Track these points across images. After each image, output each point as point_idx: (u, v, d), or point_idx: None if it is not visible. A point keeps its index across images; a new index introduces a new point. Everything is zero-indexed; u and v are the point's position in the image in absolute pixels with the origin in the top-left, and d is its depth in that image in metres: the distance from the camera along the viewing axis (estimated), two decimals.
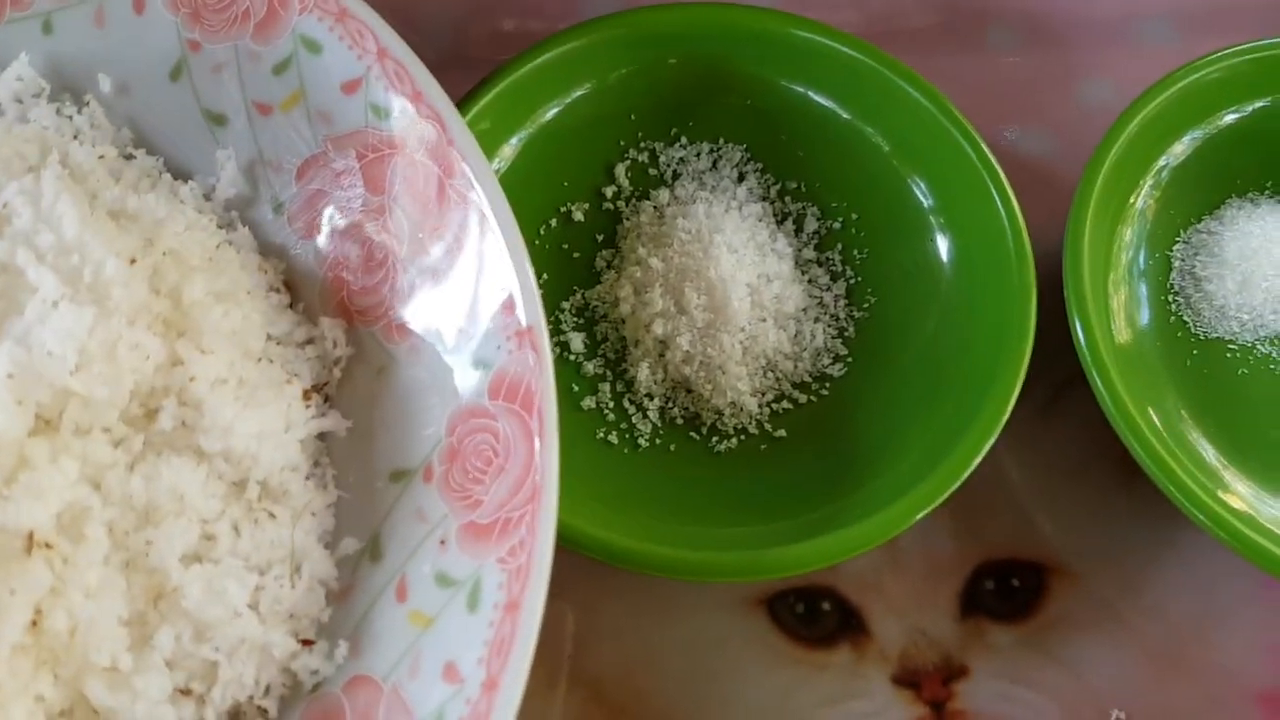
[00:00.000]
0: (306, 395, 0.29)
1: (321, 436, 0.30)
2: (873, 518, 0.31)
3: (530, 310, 0.28)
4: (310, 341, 0.31)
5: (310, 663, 0.27)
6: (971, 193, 0.34)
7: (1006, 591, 0.34)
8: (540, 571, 0.25)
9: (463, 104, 0.34)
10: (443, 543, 0.27)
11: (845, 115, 0.36)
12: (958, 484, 0.31)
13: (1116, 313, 0.35)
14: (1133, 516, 0.35)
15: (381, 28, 0.31)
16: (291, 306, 0.31)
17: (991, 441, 0.32)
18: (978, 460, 0.31)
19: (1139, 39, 0.41)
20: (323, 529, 0.29)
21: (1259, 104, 0.36)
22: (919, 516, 0.31)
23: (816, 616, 0.34)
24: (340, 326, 0.30)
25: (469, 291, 0.29)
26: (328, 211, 0.31)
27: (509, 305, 0.28)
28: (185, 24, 0.32)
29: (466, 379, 0.28)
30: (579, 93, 0.36)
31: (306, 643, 0.27)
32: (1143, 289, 0.36)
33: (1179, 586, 0.34)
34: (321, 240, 0.31)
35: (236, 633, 0.26)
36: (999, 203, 0.34)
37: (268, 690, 0.27)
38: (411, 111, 0.30)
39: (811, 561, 0.31)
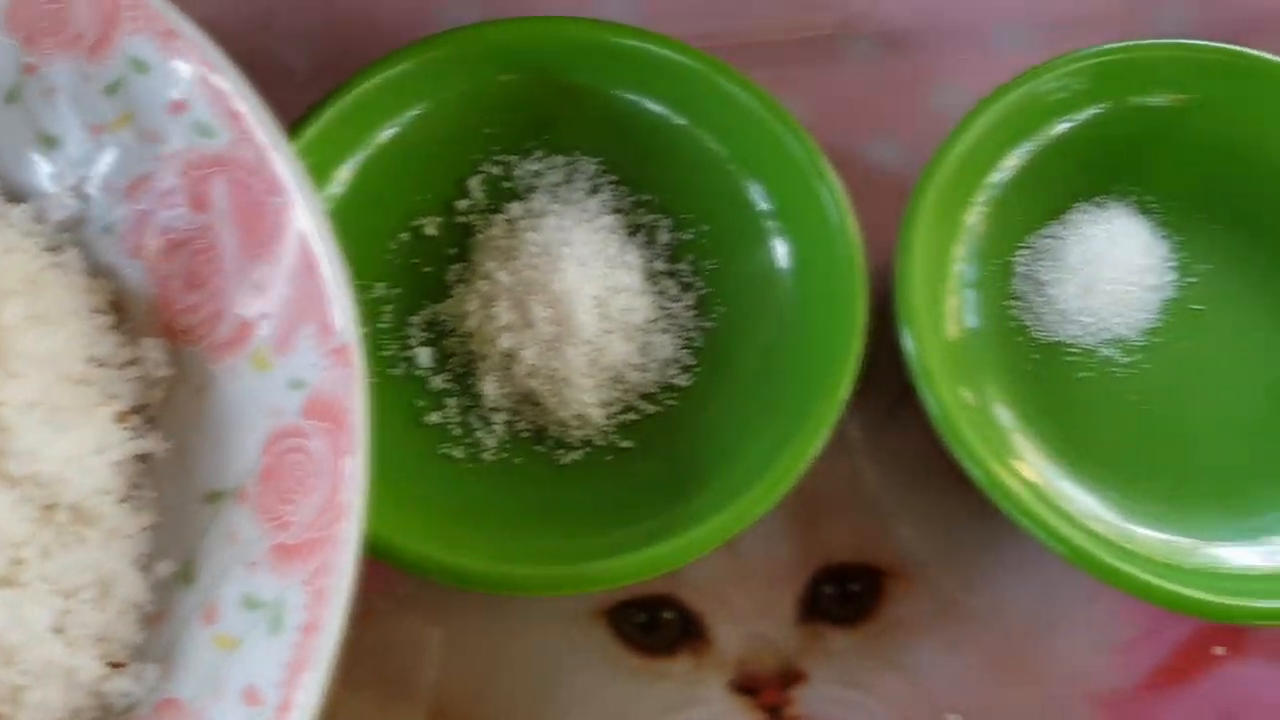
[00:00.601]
0: (123, 417, 0.29)
1: (143, 458, 0.30)
2: (705, 523, 0.31)
3: (346, 327, 0.28)
4: (134, 362, 0.31)
5: (120, 686, 0.27)
6: (805, 197, 0.35)
7: (845, 596, 0.35)
8: (340, 592, 0.25)
9: (293, 130, 0.34)
10: (252, 565, 0.27)
11: (680, 121, 0.37)
12: (786, 489, 0.31)
13: (949, 319, 0.36)
14: (971, 520, 0.35)
15: (207, 47, 0.31)
16: (120, 327, 0.31)
17: (820, 445, 0.32)
18: (806, 464, 0.32)
19: (993, 45, 0.41)
20: (138, 551, 0.29)
21: (1094, 110, 0.37)
22: (749, 523, 0.31)
23: (657, 626, 0.34)
24: (162, 346, 0.30)
25: (288, 309, 0.29)
26: (155, 231, 0.31)
27: (325, 324, 0.28)
28: (22, 47, 0.32)
29: (283, 398, 0.28)
30: (414, 112, 0.36)
31: (117, 666, 0.27)
32: (980, 295, 0.36)
33: (1016, 590, 0.35)
34: (149, 260, 0.31)
35: (42, 656, 0.26)
36: (831, 207, 0.34)
37: (77, 713, 0.27)
38: (234, 130, 0.30)
39: (642, 570, 0.31)
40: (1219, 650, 0.34)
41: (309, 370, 0.28)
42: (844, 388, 0.33)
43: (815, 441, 0.32)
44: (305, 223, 0.29)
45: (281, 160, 0.30)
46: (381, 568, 0.33)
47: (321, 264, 0.29)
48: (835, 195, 0.34)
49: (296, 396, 0.28)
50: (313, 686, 0.25)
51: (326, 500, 0.26)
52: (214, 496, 0.29)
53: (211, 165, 0.31)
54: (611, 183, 0.38)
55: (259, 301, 0.29)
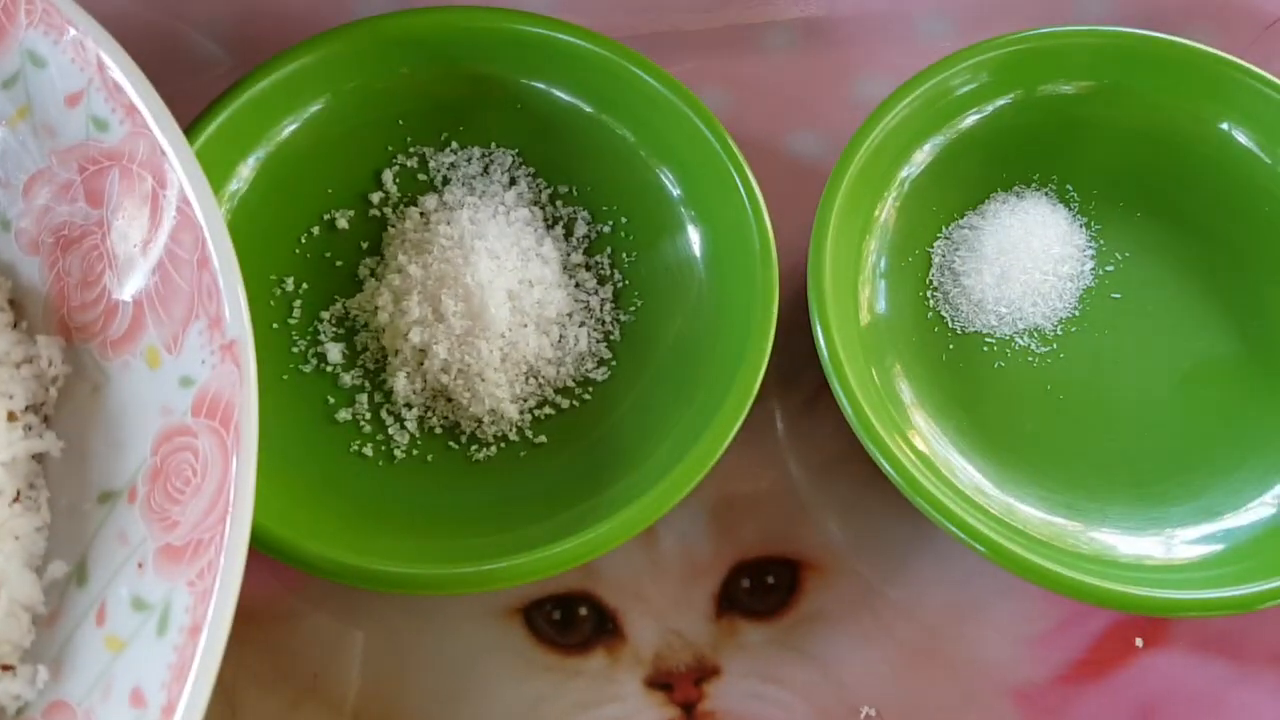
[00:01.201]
0: (12, 416, 0.29)
1: (37, 458, 0.29)
2: (616, 517, 0.31)
3: (235, 324, 0.27)
4: (29, 360, 0.30)
5: (11, 688, 0.27)
6: (716, 182, 0.35)
7: (762, 589, 0.34)
8: (226, 593, 0.25)
9: (192, 128, 0.34)
10: (140, 566, 0.27)
11: (590, 110, 0.36)
12: (697, 481, 0.31)
13: (863, 309, 0.35)
14: (889, 513, 0.35)
15: (103, 39, 0.30)
16: (16, 325, 0.31)
17: (731, 437, 0.32)
18: (717, 457, 0.31)
19: (914, 34, 0.41)
20: (31, 552, 0.28)
21: (1005, 100, 0.37)
22: (659, 515, 0.31)
23: (573, 622, 0.34)
24: (58, 344, 0.30)
25: (179, 306, 0.28)
26: (52, 226, 0.31)
27: (216, 319, 0.28)
28: None
29: (173, 396, 0.28)
30: (318, 106, 0.36)
31: (7, 668, 0.27)
32: (896, 286, 0.36)
33: (934, 582, 0.34)
34: (45, 256, 0.31)
35: None
36: (743, 193, 0.34)
37: None
38: (128, 124, 0.30)
39: (554, 566, 0.31)
40: (1138, 642, 0.34)
41: (198, 367, 0.28)
42: (756, 378, 0.32)
43: (727, 434, 0.32)
44: (197, 216, 0.29)
45: (175, 154, 0.29)
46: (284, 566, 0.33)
47: (213, 259, 0.28)
48: (746, 181, 0.34)
49: (186, 394, 0.28)
50: (197, 688, 0.24)
51: (212, 500, 0.26)
52: (106, 496, 0.28)
53: (107, 159, 0.30)
54: (529, 175, 0.37)
55: (151, 295, 0.29)
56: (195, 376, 0.28)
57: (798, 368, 0.36)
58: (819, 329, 0.33)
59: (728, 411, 0.32)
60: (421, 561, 0.31)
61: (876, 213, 0.36)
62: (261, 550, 0.30)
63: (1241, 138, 0.37)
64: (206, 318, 0.28)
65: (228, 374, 0.27)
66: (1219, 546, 0.33)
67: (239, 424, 0.26)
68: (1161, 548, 0.34)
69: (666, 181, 0.36)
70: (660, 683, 0.33)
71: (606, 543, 0.31)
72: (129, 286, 0.30)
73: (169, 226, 0.29)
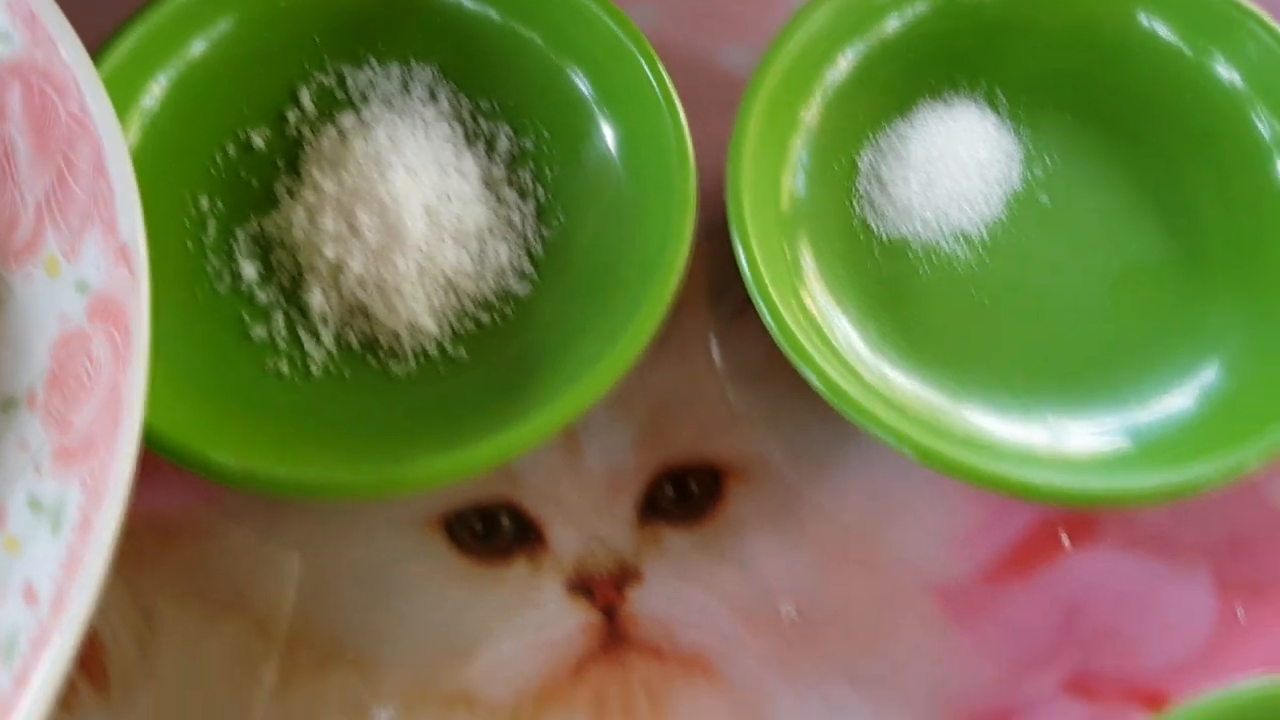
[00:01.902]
0: None
1: None
2: (533, 417, 0.31)
3: (128, 227, 0.27)
4: None
5: None
6: (627, 78, 0.34)
7: (685, 497, 0.34)
8: (116, 490, 0.25)
9: (101, 50, 0.33)
10: (37, 469, 0.27)
11: (496, 17, 0.36)
12: (616, 379, 0.31)
13: (787, 218, 0.35)
14: (813, 419, 0.35)
15: None
16: None
17: (649, 335, 0.31)
18: (636, 354, 0.31)
19: None
20: None
21: (922, 7, 0.36)
22: (576, 414, 0.31)
23: (494, 532, 0.34)
24: None
25: (77, 214, 0.28)
26: None
27: (110, 225, 0.28)
28: None
29: (71, 302, 0.28)
30: (229, 23, 0.35)
31: None
32: (822, 193, 0.36)
33: (856, 487, 0.34)
34: None
35: None
36: (655, 88, 0.34)
37: None
38: (27, 35, 0.30)
39: (470, 467, 0.30)
40: (1064, 541, 0.34)
41: (93, 273, 0.28)
42: (674, 277, 0.32)
43: (645, 332, 0.31)
44: (95, 126, 0.28)
45: (75, 65, 0.29)
46: (202, 481, 0.33)
47: (108, 166, 0.28)
48: (658, 74, 0.34)
49: (82, 300, 0.28)
50: (86, 582, 0.24)
51: (105, 402, 0.26)
52: (8, 404, 0.28)
53: (9, 73, 0.30)
54: (450, 91, 0.37)
55: (50, 205, 0.29)
56: (91, 282, 0.28)
57: (727, 280, 0.36)
58: (740, 240, 0.33)
59: (646, 312, 0.32)
60: (338, 467, 0.31)
61: (801, 114, 0.36)
62: (176, 462, 0.30)
63: (1163, 30, 0.36)
64: (102, 223, 0.28)
65: (121, 279, 0.27)
66: (1141, 439, 0.33)
67: (131, 328, 0.26)
68: (1085, 441, 0.33)
69: (579, 82, 0.35)
70: (582, 588, 0.33)
71: (523, 443, 0.31)
72: (29, 198, 0.29)
73: (68, 136, 0.29)
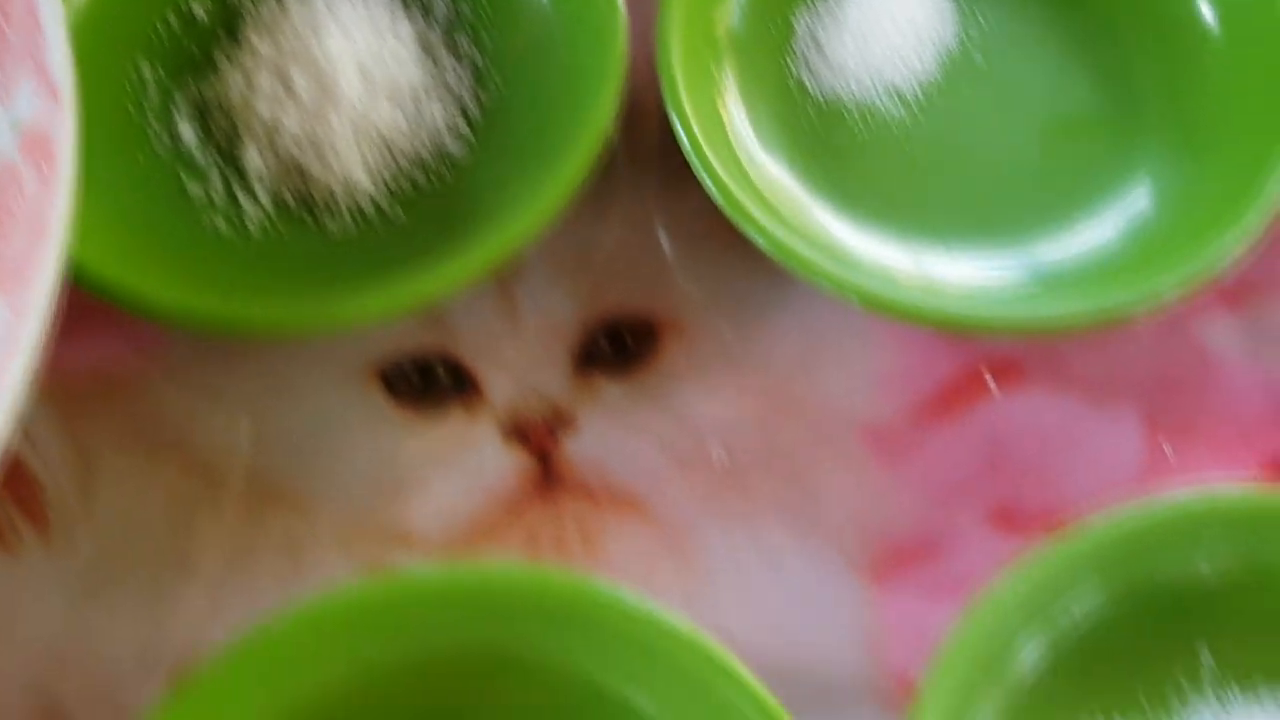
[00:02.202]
0: None
1: None
2: (463, 257, 0.32)
3: (59, 66, 0.28)
4: None
5: None
6: None
7: (620, 349, 0.35)
8: (38, 308, 0.26)
9: None
10: None
11: None
12: (548, 219, 0.32)
13: (724, 82, 0.36)
14: (750, 273, 0.35)
15: None
16: None
17: (575, 184, 0.32)
18: (568, 195, 0.32)
19: None
20: None
21: None
22: (507, 253, 0.31)
23: (430, 383, 0.34)
24: None
25: (11, 59, 0.29)
26: None
27: (41, 65, 0.28)
28: None
29: (5, 140, 0.29)
30: None
31: None
32: (756, 55, 0.36)
33: (788, 335, 0.35)
34: None
35: None
36: None
37: None
38: None
39: (402, 303, 0.31)
40: (990, 383, 0.35)
41: (26, 111, 0.28)
42: (605, 120, 0.33)
43: (576, 172, 0.32)
44: None
45: None
46: (143, 334, 0.33)
47: (41, 10, 0.29)
48: None
49: (14, 138, 0.28)
50: (4, 402, 0.25)
51: (30, 228, 0.27)
52: None
53: None
54: None
55: None
56: (23, 120, 0.28)
57: (668, 139, 0.37)
58: (672, 99, 0.33)
59: (575, 157, 0.32)
60: (272, 306, 0.32)
61: None
62: (115, 300, 0.31)
63: None
64: (34, 65, 0.28)
65: (49, 112, 0.28)
66: (1069, 270, 0.33)
67: (56, 155, 0.27)
68: (1014, 275, 0.34)
69: None
70: (517, 434, 0.34)
71: (452, 282, 0.31)
72: None
73: None
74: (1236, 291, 0.35)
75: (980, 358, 0.35)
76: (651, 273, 0.36)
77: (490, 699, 0.28)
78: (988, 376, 0.34)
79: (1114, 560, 0.28)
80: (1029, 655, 0.28)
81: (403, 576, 0.29)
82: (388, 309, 0.31)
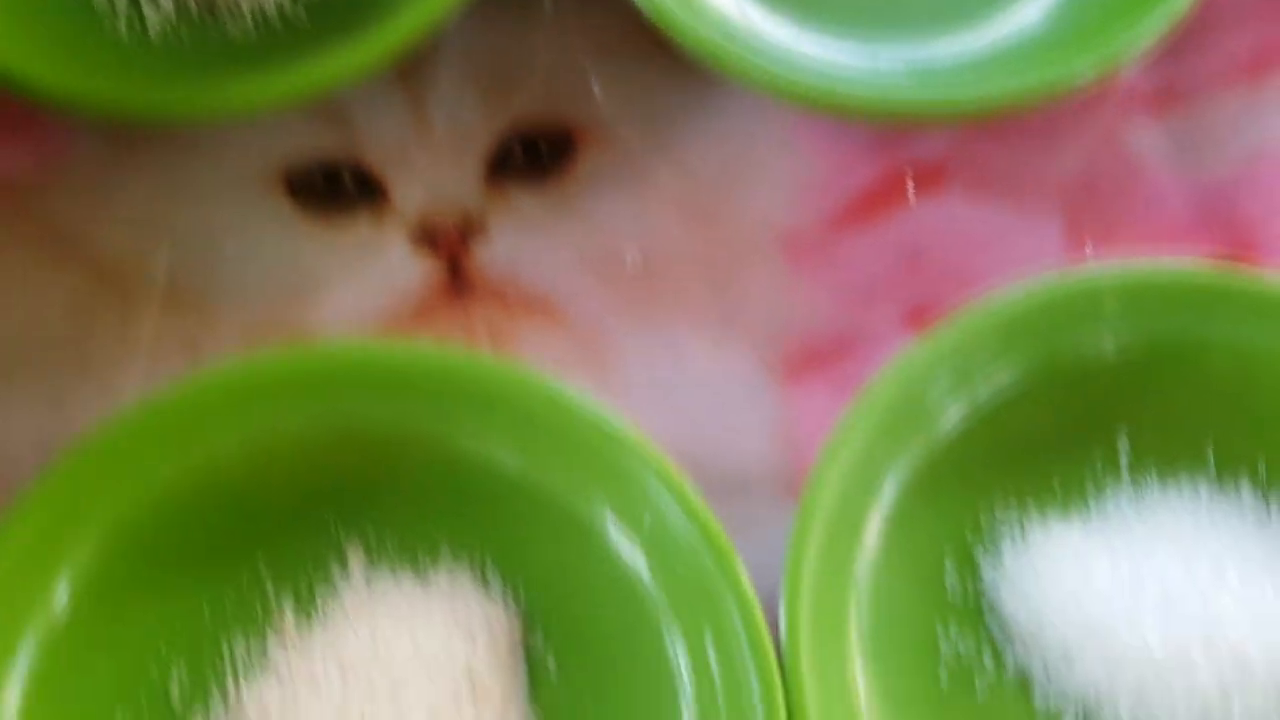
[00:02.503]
0: None
1: None
2: (363, 42, 0.31)
3: None
4: None
5: None
6: None
7: (534, 157, 0.34)
8: None
9: None
10: None
11: None
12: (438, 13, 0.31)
13: None
14: (668, 81, 0.34)
15: None
16: None
17: None
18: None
19: None
20: None
21: None
22: (410, 38, 0.30)
23: (336, 189, 0.34)
24: None
25: None
26: None
27: None
28: None
29: None
30: None
31: None
32: None
33: (708, 144, 0.34)
34: None
35: None
36: None
37: None
38: None
39: (300, 86, 0.30)
40: (909, 189, 0.34)
41: None
42: None
43: None
44: None
45: None
46: (45, 140, 0.33)
47: None
48: None
49: None
50: None
51: None
52: None
53: None
54: None
55: None
56: None
57: None
58: None
59: None
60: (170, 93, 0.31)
61: None
62: (14, 90, 0.30)
63: None
64: None
65: None
66: (994, 51, 0.33)
67: None
68: (939, 57, 0.33)
69: None
70: (426, 241, 0.33)
71: (348, 66, 0.30)
72: None
73: None
74: (1163, 99, 0.35)
75: (903, 163, 0.34)
76: (569, 82, 0.35)
77: (387, 477, 0.28)
78: (909, 183, 0.34)
79: (1023, 330, 0.28)
80: (949, 417, 0.28)
81: (299, 349, 0.28)
82: (283, 95, 0.30)
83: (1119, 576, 0.27)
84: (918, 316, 0.32)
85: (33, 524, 0.26)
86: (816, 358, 0.32)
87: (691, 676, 0.26)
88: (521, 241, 0.33)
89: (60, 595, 0.26)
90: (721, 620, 0.26)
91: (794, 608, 0.26)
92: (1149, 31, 0.31)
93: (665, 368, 0.32)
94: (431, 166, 0.33)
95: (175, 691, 0.27)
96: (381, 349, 0.28)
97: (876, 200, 0.34)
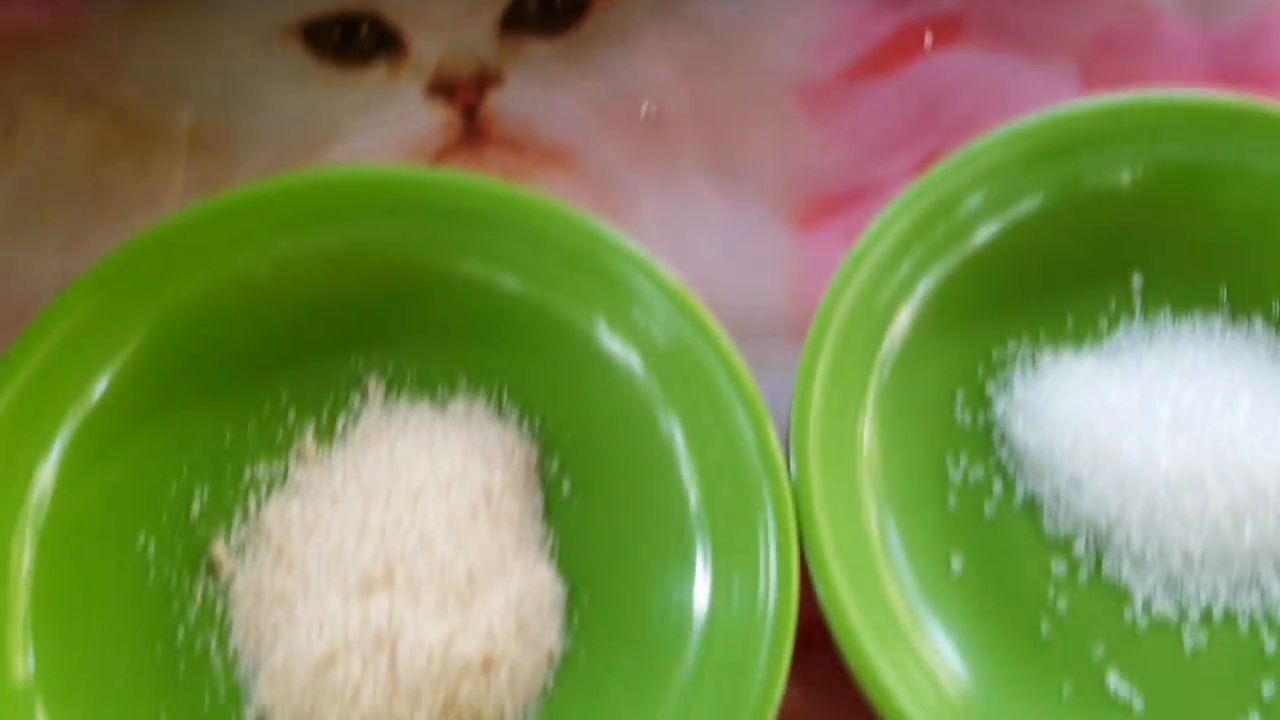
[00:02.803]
0: None
1: None
2: None
3: None
4: None
5: None
6: None
7: (549, 8, 0.34)
8: None
9: None
10: None
11: None
12: None
13: None
14: None
15: None
16: None
17: None
18: None
19: None
20: None
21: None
22: None
23: (354, 40, 0.34)
24: None
25: None
26: None
27: None
28: None
29: None
30: None
31: None
32: None
33: None
34: None
35: None
36: None
37: None
38: None
39: None
40: (927, 40, 0.34)
41: None
42: None
43: None
44: None
45: None
46: None
47: None
48: None
49: None
50: None
51: None
52: None
53: None
54: None
55: None
56: None
57: None
58: None
59: None
60: None
61: None
62: None
63: None
64: None
65: None
66: None
67: None
68: None
69: None
70: (442, 89, 0.33)
71: None
72: None
73: None
74: None
75: (920, 16, 0.34)
76: None
77: (402, 310, 0.29)
78: (927, 34, 0.34)
79: (1044, 153, 0.28)
80: (980, 233, 0.28)
81: (318, 172, 0.29)
82: None
83: (1130, 400, 0.27)
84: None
85: (75, 316, 0.27)
86: (830, 206, 0.32)
87: (692, 463, 0.27)
88: (536, 92, 0.33)
89: (98, 388, 0.27)
90: (718, 402, 0.27)
91: (803, 421, 0.26)
92: None
93: (678, 216, 0.32)
94: (448, 18, 0.33)
95: (196, 510, 0.27)
96: (387, 169, 0.29)
97: (892, 52, 0.34)
